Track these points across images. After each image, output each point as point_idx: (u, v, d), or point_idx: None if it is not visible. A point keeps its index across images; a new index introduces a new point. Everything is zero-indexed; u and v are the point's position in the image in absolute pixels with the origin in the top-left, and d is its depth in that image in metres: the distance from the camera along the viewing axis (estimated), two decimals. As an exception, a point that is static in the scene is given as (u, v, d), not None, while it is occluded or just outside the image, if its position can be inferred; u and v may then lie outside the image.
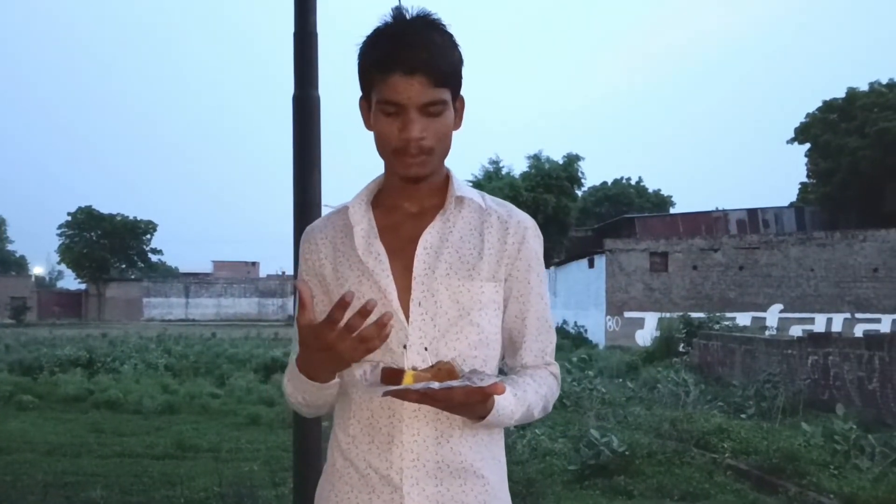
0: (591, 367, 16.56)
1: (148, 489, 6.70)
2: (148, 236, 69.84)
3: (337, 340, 1.26)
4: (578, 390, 11.97)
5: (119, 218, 67.38)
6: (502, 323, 1.53)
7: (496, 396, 1.33)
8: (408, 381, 1.26)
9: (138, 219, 69.03)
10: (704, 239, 28.52)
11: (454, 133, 1.49)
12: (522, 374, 1.52)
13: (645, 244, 28.13)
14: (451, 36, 1.45)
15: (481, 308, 1.46)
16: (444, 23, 1.46)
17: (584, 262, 30.77)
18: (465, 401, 1.28)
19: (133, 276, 68.51)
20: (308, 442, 4.11)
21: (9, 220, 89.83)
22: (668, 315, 22.81)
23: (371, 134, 1.48)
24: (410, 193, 1.52)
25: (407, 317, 1.44)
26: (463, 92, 1.50)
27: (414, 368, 1.33)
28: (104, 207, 68.49)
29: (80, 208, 66.39)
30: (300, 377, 1.40)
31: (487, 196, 1.57)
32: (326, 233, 1.57)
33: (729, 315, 22.82)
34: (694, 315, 21.08)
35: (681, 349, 18.75)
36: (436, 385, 1.24)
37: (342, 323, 1.24)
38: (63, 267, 72.34)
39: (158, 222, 70.41)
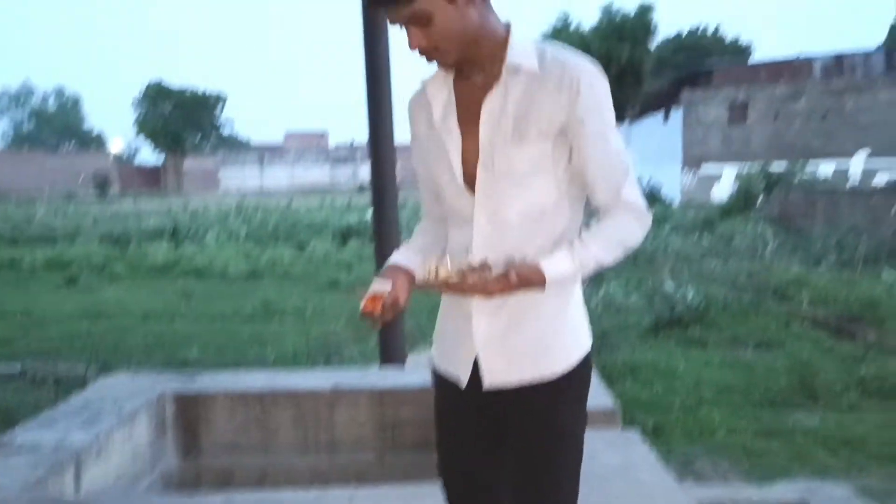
0: (665, 222, 16.40)
1: (240, 348, 7.09)
2: (218, 110, 70.58)
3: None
4: (651, 247, 11.93)
5: (189, 93, 68.08)
6: (574, 171, 1.61)
7: (547, 266, 1.52)
8: (442, 277, 1.51)
9: (207, 93, 69.64)
10: (787, 86, 27.25)
11: (475, 13, 1.52)
12: (593, 224, 1.62)
13: (723, 94, 27.08)
14: None
15: (535, 168, 1.58)
16: None
17: (660, 115, 29.93)
18: (503, 290, 1.50)
19: (207, 149, 69.72)
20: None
21: (84, 96, 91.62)
22: (746, 167, 22.16)
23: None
24: (471, 66, 1.60)
25: (474, 180, 1.60)
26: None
27: (458, 269, 1.52)
28: (176, 80, 69.14)
29: (150, 83, 67.23)
30: None
31: (549, 52, 1.58)
32: (420, 103, 1.71)
33: (811, 164, 22.00)
34: (774, 166, 20.41)
35: (759, 202, 18.32)
36: (455, 278, 1.50)
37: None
38: (139, 142, 74.10)
39: (228, 95, 70.90)
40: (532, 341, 1.63)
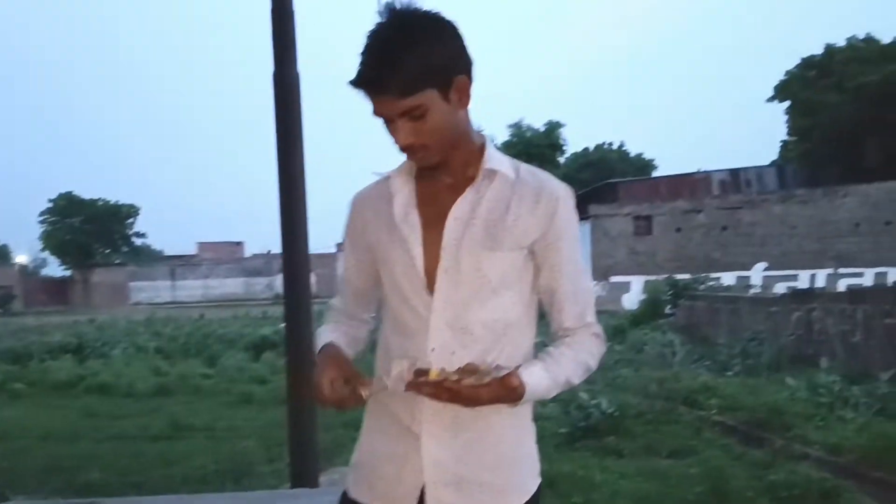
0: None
1: (145, 469, 6.75)
2: (130, 220, 69.50)
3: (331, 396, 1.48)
4: (567, 355, 12.05)
5: (101, 203, 66.94)
6: (538, 290, 1.60)
7: (526, 379, 1.42)
8: (432, 378, 1.37)
9: (120, 203, 68.62)
10: (687, 201, 28.69)
11: (464, 110, 1.52)
12: (560, 344, 1.59)
13: (628, 208, 28.29)
14: (421, 34, 1.42)
15: (503, 278, 1.53)
16: (419, 16, 1.44)
17: (569, 228, 30.85)
18: (492, 398, 1.39)
19: (118, 261, 68.14)
20: (302, 417, 4.18)
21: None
22: (653, 278, 22.98)
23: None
24: (443, 168, 1.57)
25: (434, 283, 1.52)
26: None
27: (443, 370, 1.39)
28: (86, 193, 67.91)
29: (60, 195, 65.88)
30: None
31: (523, 167, 1.60)
32: (371, 199, 1.66)
33: (714, 275, 23.01)
34: (679, 277, 21.24)
35: (667, 311, 18.92)
36: (458, 377, 1.36)
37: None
38: (47, 255, 71.89)
39: (141, 206, 70.11)
40: (491, 470, 1.53)
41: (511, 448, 1.56)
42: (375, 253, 1.64)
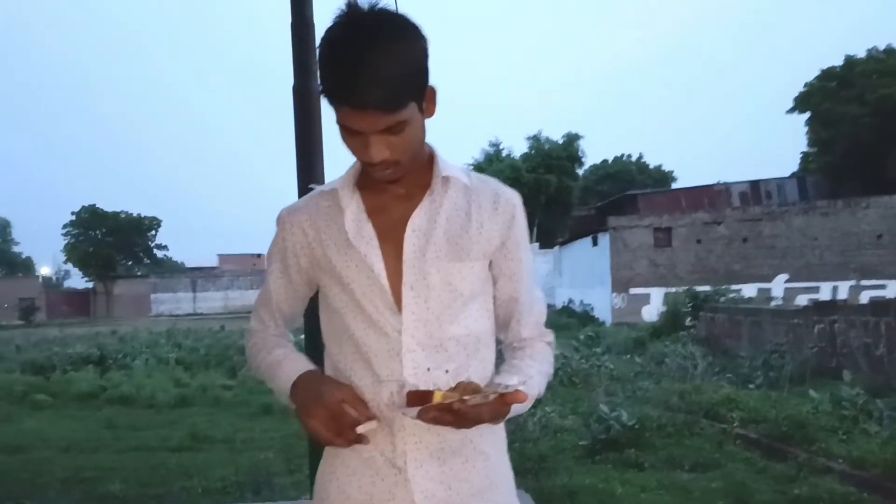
0: (599, 344, 16.61)
1: (165, 481, 6.79)
2: (153, 232, 70.19)
3: (329, 425, 1.36)
4: (587, 367, 12.02)
5: (123, 215, 67.67)
6: (495, 300, 1.54)
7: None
8: (437, 401, 1.27)
9: (142, 215, 69.34)
10: (707, 212, 28.48)
11: (428, 120, 1.41)
12: (522, 355, 1.54)
13: (648, 220, 28.10)
14: (404, 43, 1.30)
15: (472, 288, 1.47)
16: (396, 21, 1.31)
17: (588, 240, 30.78)
18: (492, 417, 1.30)
19: (140, 273, 68.78)
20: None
21: (13, 221, 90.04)
22: (673, 290, 22.83)
23: None
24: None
25: (399, 300, 1.43)
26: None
27: (442, 390, 1.30)
28: (108, 205, 68.73)
29: (84, 207, 66.70)
30: (281, 392, 1.48)
31: (473, 173, 1.55)
32: (310, 215, 1.53)
33: (734, 287, 22.82)
34: (699, 289, 21.08)
35: (687, 323, 18.77)
36: (468, 398, 1.26)
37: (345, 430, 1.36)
38: (70, 266, 72.77)
39: (163, 218, 70.80)
40: (481, 494, 1.46)
41: (495, 468, 1.49)
42: (318, 274, 1.53)
